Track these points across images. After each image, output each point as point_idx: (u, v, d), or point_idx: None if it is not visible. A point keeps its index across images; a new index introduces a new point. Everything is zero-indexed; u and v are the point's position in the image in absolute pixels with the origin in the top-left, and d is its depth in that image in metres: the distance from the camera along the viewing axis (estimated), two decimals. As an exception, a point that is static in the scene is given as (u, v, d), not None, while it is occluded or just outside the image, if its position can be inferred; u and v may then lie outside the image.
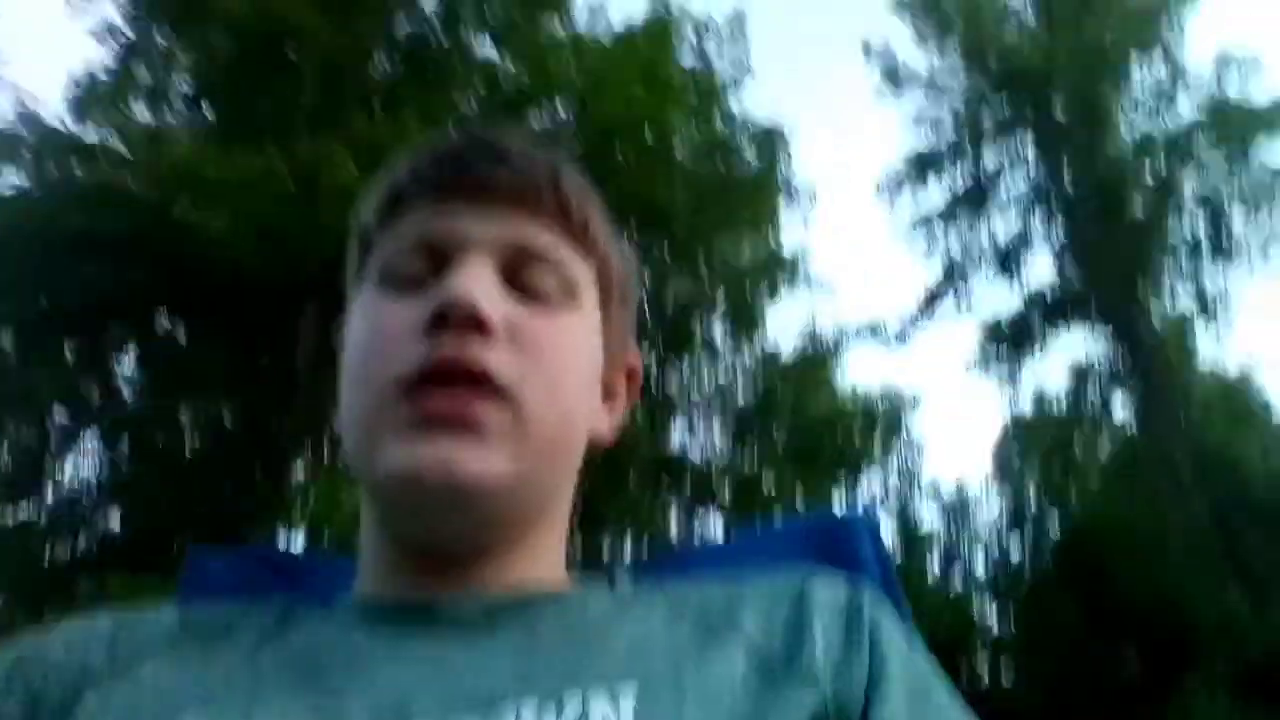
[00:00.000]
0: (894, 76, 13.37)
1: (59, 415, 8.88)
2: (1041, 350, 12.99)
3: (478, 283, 0.56)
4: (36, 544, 8.82)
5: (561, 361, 0.58)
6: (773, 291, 10.51)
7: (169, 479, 8.37)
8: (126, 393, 9.01)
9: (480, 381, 0.54)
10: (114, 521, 9.13)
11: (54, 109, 7.62)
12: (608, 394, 0.66)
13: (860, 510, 0.88)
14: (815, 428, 10.44)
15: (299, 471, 7.77)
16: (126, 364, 9.13)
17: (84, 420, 8.89)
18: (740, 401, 11.05)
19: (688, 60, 9.20)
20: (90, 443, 9.04)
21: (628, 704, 0.48)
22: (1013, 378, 13.38)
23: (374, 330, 0.58)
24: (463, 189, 0.59)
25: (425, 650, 0.52)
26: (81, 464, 9.05)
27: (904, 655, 0.55)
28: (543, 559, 0.60)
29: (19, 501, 8.82)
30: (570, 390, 0.59)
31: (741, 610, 0.56)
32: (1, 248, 7.14)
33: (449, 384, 0.54)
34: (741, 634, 0.54)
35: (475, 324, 0.54)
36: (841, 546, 0.81)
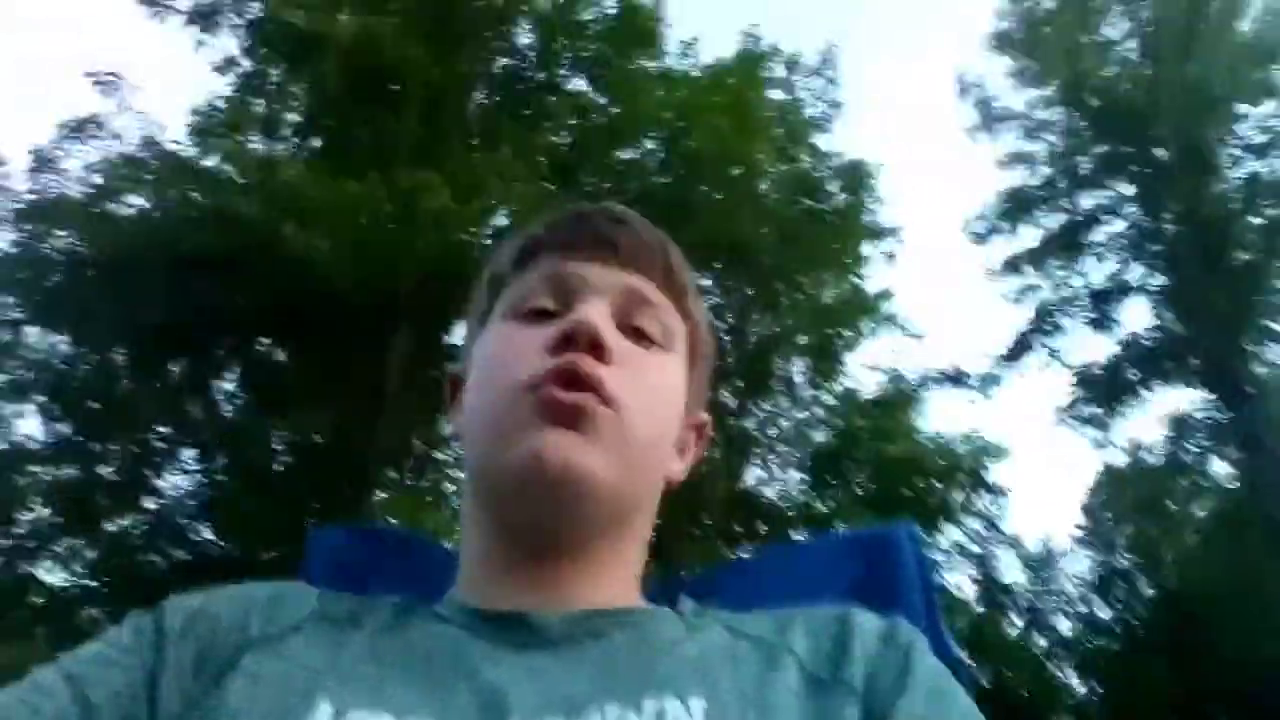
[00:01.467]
0: (989, 114, 13.16)
1: (162, 429, 9.28)
2: (1137, 401, 12.48)
3: (599, 314, 0.66)
4: (135, 554, 9.19)
5: (659, 391, 0.68)
6: (856, 332, 10.39)
7: (260, 495, 8.66)
8: (227, 409, 9.38)
9: (597, 388, 0.63)
10: (208, 534, 9.48)
11: (176, 136, 8.14)
12: (680, 445, 0.75)
13: (903, 525, 0.91)
14: (894, 472, 10.20)
15: (381, 489, 7.94)
16: (227, 382, 9.50)
17: (185, 436, 9.27)
18: (818, 442, 10.90)
19: (777, 95, 9.29)
20: (189, 458, 9.42)
21: (698, 708, 0.54)
22: (1105, 429, 12.87)
23: (506, 347, 0.68)
24: (589, 243, 0.70)
25: (518, 656, 0.59)
26: (180, 479, 9.44)
27: (932, 666, 0.61)
28: (620, 575, 0.68)
29: (121, 512, 9.21)
30: (664, 416, 0.69)
31: (793, 634, 0.62)
32: (122, 267, 7.58)
33: (571, 385, 0.63)
34: (793, 655, 0.60)
35: (595, 346, 0.64)
36: (885, 557, 0.87)
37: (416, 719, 0.54)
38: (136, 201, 8.17)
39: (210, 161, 7.80)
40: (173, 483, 9.38)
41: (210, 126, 7.54)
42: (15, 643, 6.23)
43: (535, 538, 0.65)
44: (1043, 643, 13.29)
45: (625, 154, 8.44)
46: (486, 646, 0.60)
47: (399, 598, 0.67)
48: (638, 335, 0.68)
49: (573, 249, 0.70)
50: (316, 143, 8.16)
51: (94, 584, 9.10)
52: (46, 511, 8.89)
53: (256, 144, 7.91)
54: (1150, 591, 12.97)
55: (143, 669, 0.57)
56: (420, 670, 0.58)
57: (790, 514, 10.24)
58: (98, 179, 8.17)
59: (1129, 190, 12.71)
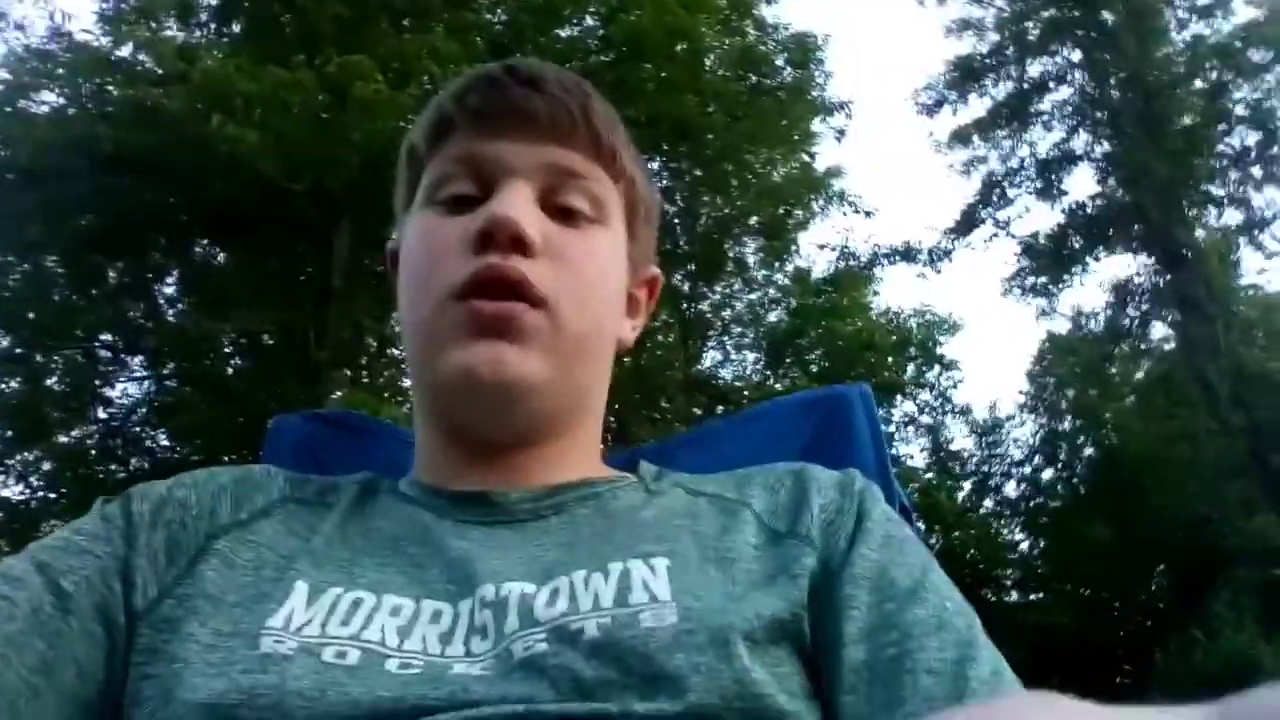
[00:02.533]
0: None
1: (106, 338, 9.08)
2: (1081, 269, 12.72)
3: (519, 204, 0.63)
4: (93, 464, 9.12)
5: (592, 274, 0.66)
6: (807, 210, 10.36)
7: (213, 399, 8.58)
8: (170, 314, 9.18)
9: (522, 291, 0.61)
10: (165, 441, 9.42)
11: (86, 26, 7.66)
12: (631, 305, 0.75)
13: (855, 386, 0.93)
14: (847, 349, 10.38)
15: (337, 387, 7.91)
16: (169, 286, 9.27)
17: (130, 343, 9.09)
18: (772, 322, 11.02)
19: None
20: (138, 365, 9.26)
21: (661, 567, 0.56)
22: (1050, 297, 13.15)
23: (428, 246, 0.65)
24: (504, 116, 0.66)
25: (483, 533, 0.61)
26: (131, 387, 9.30)
27: (884, 513, 0.63)
28: (579, 453, 0.69)
29: (73, 424, 9.09)
30: (599, 299, 0.67)
31: (750, 490, 0.64)
32: (43, 169, 7.23)
33: (495, 294, 0.61)
34: (750, 510, 0.62)
35: (517, 241, 0.62)
36: (838, 416, 0.91)
37: (391, 595, 0.55)
38: (51, 99, 7.75)
39: (125, 51, 7.37)
40: (123, 390, 9.26)
41: (121, 14, 7.09)
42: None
43: (484, 438, 0.65)
44: (990, 505, 13.93)
45: (564, 32, 8.14)
46: (452, 524, 0.61)
47: (362, 477, 0.68)
48: (566, 214, 0.66)
49: (487, 124, 0.66)
50: (237, 29, 7.74)
51: (52, 496, 9.06)
52: (-3, 426, 8.74)
53: (173, 31, 7.48)
54: (1090, 451, 13.56)
55: (114, 556, 0.57)
56: (390, 549, 0.59)
57: (746, 395, 10.42)
58: (5, 75, 7.70)
59: (1076, 56, 12.63)
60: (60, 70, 7.51)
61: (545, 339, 0.62)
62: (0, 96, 7.73)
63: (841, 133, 9.91)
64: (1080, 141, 12.77)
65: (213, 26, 7.72)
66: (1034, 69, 12.84)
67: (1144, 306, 12.87)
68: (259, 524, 0.61)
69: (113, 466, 9.12)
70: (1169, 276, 11.82)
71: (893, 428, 12.16)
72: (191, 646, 0.52)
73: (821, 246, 11.75)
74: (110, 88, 7.37)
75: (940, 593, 0.56)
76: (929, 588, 0.56)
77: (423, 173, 0.69)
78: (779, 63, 9.21)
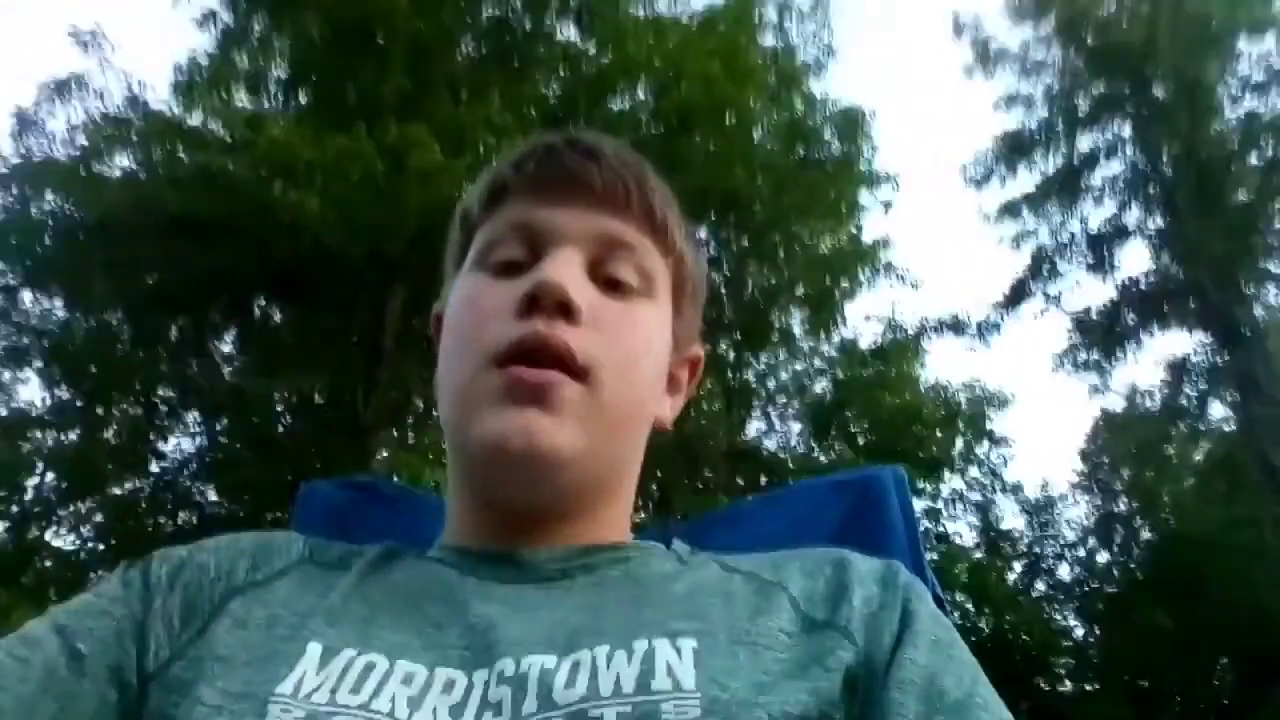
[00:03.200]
0: (985, 53, 12.96)
1: (164, 393, 9.30)
2: (1135, 345, 12.47)
3: (567, 271, 0.63)
4: (142, 517, 9.26)
5: (635, 347, 0.65)
6: (854, 281, 10.34)
7: (263, 456, 8.71)
8: (226, 372, 9.39)
9: (564, 359, 0.61)
10: (212, 496, 9.55)
11: (160, 95, 8.05)
12: (672, 383, 0.73)
13: (889, 468, 0.92)
14: (894, 422, 10.23)
15: (382, 448, 7.99)
16: (226, 344, 9.50)
17: (186, 398, 9.30)
18: (818, 393, 10.92)
19: (769, 41, 9.13)
20: (192, 421, 9.45)
21: (688, 649, 0.53)
22: (1103, 374, 12.88)
23: (473, 308, 0.65)
24: (560, 184, 0.66)
25: (507, 594, 0.59)
26: (184, 441, 9.48)
27: (932, 614, 0.60)
28: (610, 525, 0.67)
29: (126, 476, 9.27)
30: (640, 373, 0.66)
31: (787, 572, 0.62)
32: (112, 228, 7.54)
33: (536, 361, 0.60)
34: (787, 594, 0.60)
35: (563, 308, 0.61)
36: (871, 499, 0.89)
37: (407, 659, 0.54)
38: (124, 163, 8.11)
39: (195, 120, 7.72)
40: (176, 445, 9.44)
41: (194, 84, 7.44)
42: (28, 606, 6.30)
43: (514, 507, 0.65)
44: (1042, 587, 13.46)
45: (616, 105, 8.33)
46: (475, 583, 0.60)
47: (386, 544, 0.67)
48: (613, 285, 0.66)
49: (542, 191, 0.66)
50: (303, 99, 8.07)
51: (102, 547, 9.20)
52: (51, 477, 8.94)
53: (242, 100, 7.82)
54: (1148, 535, 13.09)
55: (130, 619, 0.57)
56: (409, 609, 0.58)
57: (791, 466, 10.29)
58: (83, 140, 8.09)
59: (1127, 131, 12.57)
60: (134, 136, 7.87)
61: (582, 411, 0.61)
62: (77, 160, 8.12)
63: (888, 205, 9.93)
64: (1132, 216, 12.64)
65: (279, 97, 8.04)
66: (1084, 143, 12.81)
67: (1202, 385, 12.53)
68: (275, 584, 0.61)
69: (162, 519, 9.25)
70: (1227, 355, 11.53)
71: (940, 504, 11.89)
72: (199, 709, 0.52)
73: (868, 318, 11.69)
74: (180, 153, 7.69)
75: (990, 709, 0.54)
76: (979, 702, 0.54)
77: (474, 236, 0.69)
78: (826, 136, 9.31)
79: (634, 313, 0.66)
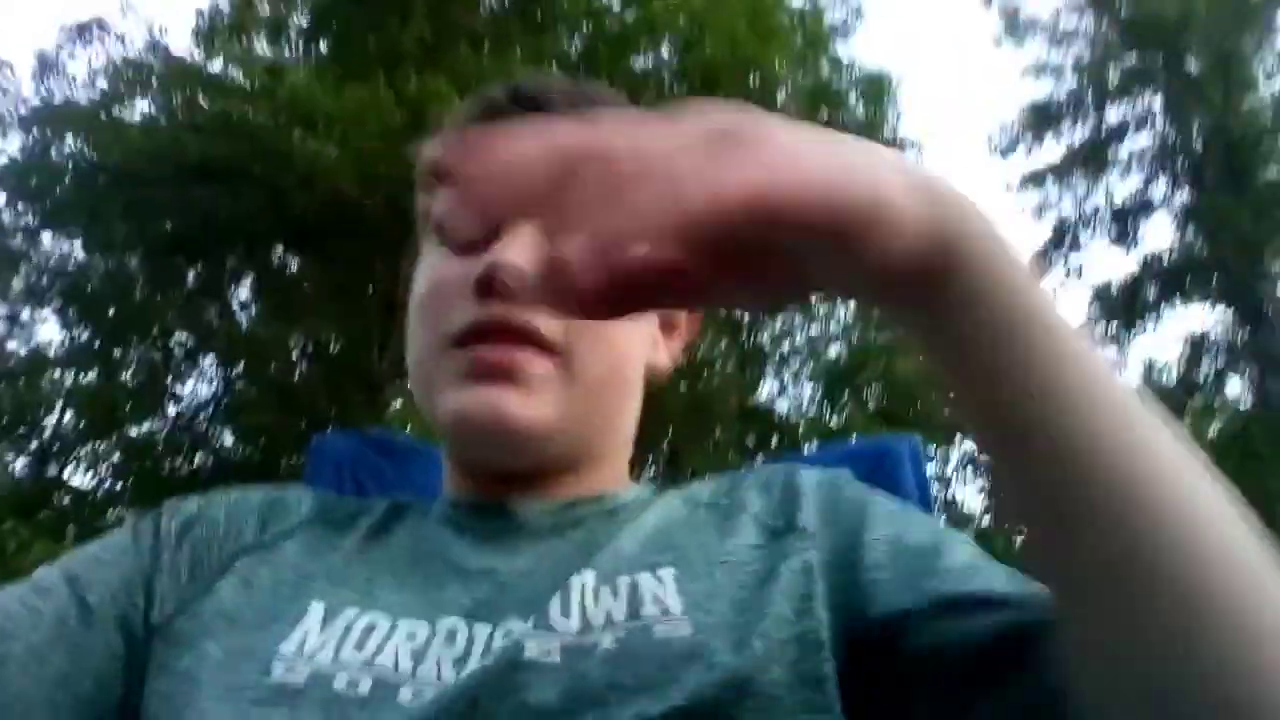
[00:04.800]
0: (1015, 21, 12.70)
1: (180, 337, 9.36)
2: (1155, 319, 12.34)
3: (524, 246, 0.59)
4: (159, 459, 9.38)
5: None
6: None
7: (279, 403, 8.77)
8: (242, 319, 9.43)
9: (531, 337, 0.60)
10: (227, 440, 9.65)
11: (181, 40, 8.00)
12: (667, 327, 0.72)
13: (905, 439, 0.91)
14: (907, 387, 10.20)
15: (395, 399, 8.03)
16: (243, 292, 9.53)
17: (203, 343, 9.35)
18: (832, 356, 10.89)
19: (797, 2, 8.96)
20: (208, 365, 9.52)
21: (669, 576, 0.56)
22: (1121, 347, 12.77)
23: (430, 287, 0.65)
24: None
25: (502, 551, 0.60)
26: (200, 385, 9.56)
27: (884, 498, 0.63)
28: (603, 476, 0.68)
29: (143, 418, 9.37)
30: (620, 334, 0.65)
31: (745, 494, 0.63)
32: (131, 173, 7.53)
33: (499, 340, 0.60)
34: (748, 512, 0.61)
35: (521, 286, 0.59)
36: (885, 470, 0.89)
37: (408, 619, 0.55)
38: (144, 108, 8.09)
39: (215, 67, 7.67)
40: (192, 389, 9.52)
41: (215, 30, 7.38)
42: (47, 541, 6.42)
43: (496, 470, 0.65)
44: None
45: (639, 63, 8.20)
46: (470, 540, 0.61)
47: (392, 499, 0.68)
48: None
49: None
50: (323, 49, 7.99)
51: (119, 487, 9.32)
52: (69, 416, 9.05)
53: (262, 48, 7.76)
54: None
55: (139, 571, 0.58)
56: (410, 571, 0.59)
57: (802, 428, 10.31)
58: (103, 84, 8.07)
59: (1157, 103, 12.33)
60: (154, 81, 7.83)
61: (556, 384, 0.61)
62: (97, 104, 8.09)
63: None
64: (1158, 190, 12.44)
65: (300, 45, 7.97)
66: (1113, 114, 12.57)
67: (1220, 361, 12.42)
68: (281, 544, 0.62)
69: (177, 462, 9.36)
70: (1247, 332, 11.41)
71: (950, 468, 11.88)
72: (205, 665, 0.53)
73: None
74: (200, 100, 7.65)
75: (957, 543, 0.56)
76: (947, 542, 0.56)
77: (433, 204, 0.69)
78: (851, 101, 9.17)
79: None
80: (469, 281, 0.61)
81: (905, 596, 0.52)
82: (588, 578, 0.56)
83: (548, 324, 0.60)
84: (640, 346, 0.69)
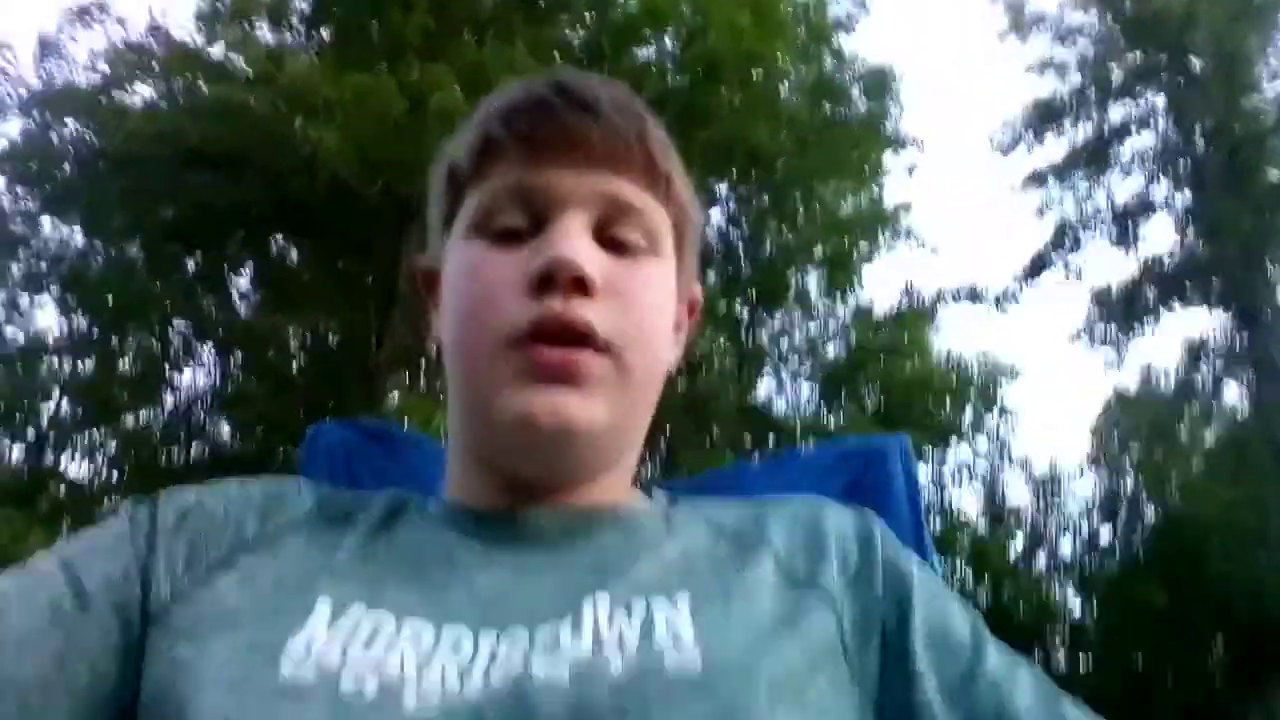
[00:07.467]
0: (1020, 16, 12.70)
1: (179, 326, 9.35)
2: (1154, 323, 12.35)
3: (579, 243, 0.60)
4: (154, 448, 9.38)
5: (650, 309, 0.64)
6: (872, 245, 10.24)
7: (276, 393, 8.77)
8: (241, 308, 9.43)
9: (585, 337, 0.59)
10: (225, 431, 9.65)
11: (182, 24, 7.99)
12: (675, 326, 0.72)
13: (895, 439, 0.92)
14: (905, 390, 10.21)
15: (393, 391, 8.02)
16: (243, 280, 9.52)
17: (201, 332, 9.34)
18: (830, 357, 10.88)
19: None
20: (206, 355, 9.51)
21: (684, 605, 0.55)
22: (1120, 350, 12.78)
23: (478, 282, 0.62)
24: (556, 143, 0.62)
25: (510, 557, 0.60)
26: (197, 375, 9.56)
27: (919, 566, 0.63)
28: (613, 485, 0.67)
29: (140, 406, 9.37)
30: (658, 335, 0.65)
31: (769, 527, 0.64)
32: (132, 159, 7.52)
33: (559, 340, 0.59)
34: (770, 547, 0.62)
35: (579, 284, 0.59)
36: (875, 468, 0.90)
37: (414, 619, 0.54)
38: (145, 92, 8.08)
39: (217, 52, 7.65)
40: (190, 379, 9.52)
41: (216, 15, 7.37)
42: (42, 532, 6.41)
43: (523, 477, 0.64)
44: (1043, 561, 13.51)
45: (642, 53, 8.20)
46: (479, 547, 0.61)
47: (391, 494, 0.67)
48: (620, 246, 0.63)
49: (538, 151, 0.62)
50: (325, 35, 7.98)
51: (115, 477, 9.32)
52: (66, 404, 9.04)
53: (264, 33, 7.75)
54: (1152, 513, 13.09)
55: (135, 558, 0.57)
56: (414, 572, 0.59)
57: (799, 428, 10.31)
58: (104, 68, 8.05)
59: (1160, 103, 12.34)
60: (155, 65, 7.81)
61: (609, 383, 0.61)
62: (98, 88, 8.08)
63: (912, 168, 9.80)
64: (1160, 191, 12.45)
65: (302, 31, 7.96)
66: (1115, 113, 12.58)
67: (1218, 366, 12.43)
68: (283, 540, 0.61)
69: (174, 451, 9.36)
70: (1246, 336, 11.41)
71: (946, 471, 11.89)
72: (208, 658, 0.52)
73: (885, 282, 11.60)
74: (201, 85, 7.64)
75: (989, 637, 0.61)
76: (984, 636, 0.61)
77: (463, 195, 0.66)
78: (854, 95, 9.16)
79: (644, 274, 0.64)
80: (522, 278, 0.60)
81: (945, 707, 0.57)
82: (601, 599, 0.55)
83: (601, 322, 0.60)
84: (667, 347, 0.68)
